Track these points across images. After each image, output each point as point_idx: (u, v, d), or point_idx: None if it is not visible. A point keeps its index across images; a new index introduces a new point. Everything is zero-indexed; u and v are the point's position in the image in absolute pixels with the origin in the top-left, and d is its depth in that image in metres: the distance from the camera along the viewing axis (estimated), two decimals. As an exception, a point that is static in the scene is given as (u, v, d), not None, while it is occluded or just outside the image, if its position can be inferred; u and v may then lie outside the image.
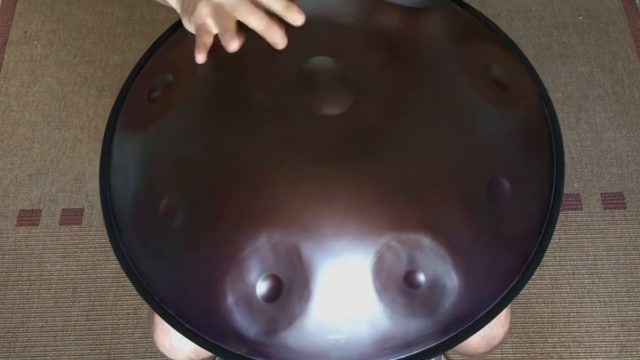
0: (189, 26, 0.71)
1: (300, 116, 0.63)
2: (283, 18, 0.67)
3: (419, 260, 0.59)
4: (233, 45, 0.66)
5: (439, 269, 0.60)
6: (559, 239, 1.46)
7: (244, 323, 0.60)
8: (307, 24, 0.68)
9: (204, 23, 0.69)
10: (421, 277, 0.60)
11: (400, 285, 0.59)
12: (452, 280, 0.60)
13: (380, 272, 0.59)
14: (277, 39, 0.66)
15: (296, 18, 0.67)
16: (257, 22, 0.67)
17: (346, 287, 0.59)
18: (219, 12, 0.68)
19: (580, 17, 1.77)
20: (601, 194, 1.52)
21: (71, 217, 1.52)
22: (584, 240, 1.47)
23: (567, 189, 1.52)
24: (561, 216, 1.49)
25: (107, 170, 0.71)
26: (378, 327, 0.60)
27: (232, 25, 0.67)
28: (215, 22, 0.68)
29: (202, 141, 0.66)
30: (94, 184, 1.57)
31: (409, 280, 0.59)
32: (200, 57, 0.68)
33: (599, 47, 1.72)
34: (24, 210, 1.54)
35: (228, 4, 0.68)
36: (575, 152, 1.57)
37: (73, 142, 1.63)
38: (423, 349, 0.61)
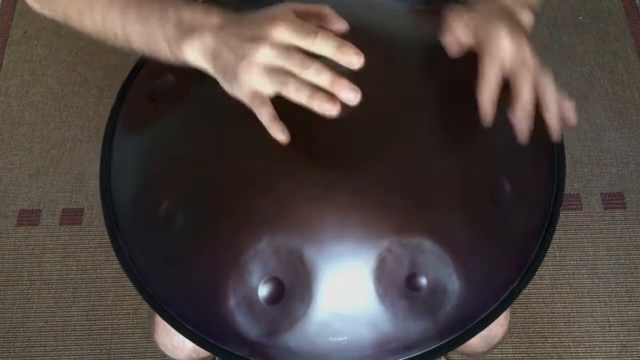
0: (236, 91, 0.59)
1: (302, 119, 0.63)
2: (338, 61, 0.57)
3: (421, 264, 0.60)
4: (334, 108, 0.56)
5: (440, 272, 0.60)
6: (559, 239, 1.46)
7: (246, 325, 0.60)
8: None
9: (255, 90, 0.57)
10: (422, 281, 0.60)
11: (401, 289, 0.59)
12: (453, 283, 0.60)
13: (382, 275, 0.59)
14: (348, 95, 0.56)
15: (353, 59, 0.56)
16: (317, 78, 0.56)
17: (348, 290, 0.59)
18: (269, 71, 0.57)
19: (580, 17, 1.77)
20: (601, 194, 1.52)
21: (71, 217, 1.52)
22: (584, 240, 1.47)
23: (567, 189, 1.51)
24: (561, 216, 1.47)
25: (108, 170, 0.71)
26: (379, 329, 0.60)
27: (300, 81, 0.56)
28: (273, 84, 0.57)
29: (203, 143, 0.66)
30: (94, 184, 1.56)
31: (410, 283, 0.59)
32: (283, 136, 0.58)
33: (599, 47, 1.72)
34: (24, 210, 1.54)
35: (276, 62, 0.56)
36: (575, 152, 1.57)
37: (73, 142, 1.62)
38: (424, 351, 0.61)
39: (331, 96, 0.56)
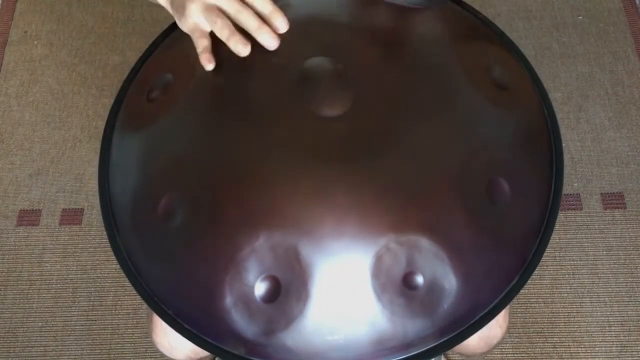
0: (182, 25, 0.70)
1: (300, 117, 0.63)
2: (268, 21, 0.67)
3: (418, 262, 0.59)
4: (244, 49, 0.67)
5: (437, 271, 0.60)
6: (559, 239, 1.46)
7: (243, 323, 0.60)
8: (306, 24, 0.68)
9: (196, 22, 0.68)
10: (420, 279, 0.60)
11: (398, 287, 0.59)
12: (450, 282, 0.60)
13: (379, 273, 0.59)
14: (267, 40, 0.66)
15: (280, 26, 0.67)
16: (248, 21, 0.66)
17: (345, 288, 0.59)
18: (209, 10, 0.67)
19: (580, 17, 1.77)
20: (601, 194, 1.52)
21: (71, 217, 1.52)
22: (584, 240, 1.46)
23: (567, 189, 1.52)
24: (561, 216, 1.49)
25: (106, 170, 0.71)
26: (376, 328, 0.60)
27: (229, 22, 0.67)
28: (208, 21, 0.67)
29: (201, 141, 0.66)
30: (94, 184, 1.56)
31: (407, 281, 0.59)
32: (209, 65, 0.67)
33: (599, 47, 1.72)
34: (24, 210, 1.54)
35: (218, 3, 0.67)
36: (575, 152, 1.57)
37: (73, 142, 1.62)
38: (421, 350, 0.61)
39: (246, 40, 0.66)
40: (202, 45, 0.67)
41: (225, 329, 0.61)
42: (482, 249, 0.62)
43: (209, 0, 0.67)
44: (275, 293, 0.59)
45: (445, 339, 0.61)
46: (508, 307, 0.69)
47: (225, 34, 0.66)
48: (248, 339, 0.61)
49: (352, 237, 0.59)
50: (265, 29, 0.66)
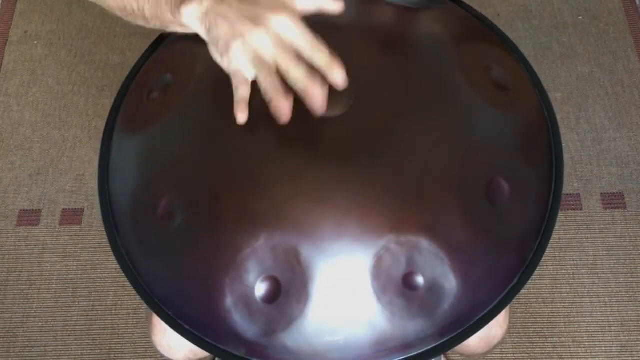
0: (223, 64, 0.63)
1: (300, 117, 0.63)
2: (324, 75, 0.59)
3: (418, 262, 0.59)
4: (284, 114, 0.59)
5: (437, 271, 0.60)
6: (559, 239, 1.46)
7: (243, 324, 0.60)
8: (306, 24, 0.68)
9: (240, 70, 0.60)
10: (420, 279, 0.60)
11: (398, 287, 0.59)
12: (450, 282, 0.60)
13: (379, 274, 0.59)
14: (318, 104, 0.58)
15: (339, 79, 0.59)
16: (298, 77, 0.58)
17: (345, 289, 0.59)
18: (259, 59, 0.59)
19: (580, 17, 1.77)
20: (601, 194, 1.52)
21: (71, 217, 1.52)
22: (584, 240, 1.46)
23: (567, 189, 1.52)
24: (561, 216, 1.49)
25: (106, 170, 0.71)
26: (376, 328, 0.60)
27: (277, 80, 0.59)
28: (255, 71, 0.60)
29: (201, 142, 0.66)
30: (94, 184, 1.56)
31: (407, 282, 0.59)
32: (242, 117, 0.60)
33: (599, 47, 1.72)
34: (24, 210, 1.54)
35: (268, 51, 0.58)
36: (575, 152, 1.57)
37: (73, 142, 1.63)
38: (421, 351, 0.61)
39: (287, 104, 0.58)
40: (241, 94, 0.61)
41: (226, 330, 0.61)
42: (482, 250, 0.62)
43: (259, 48, 0.59)
44: (275, 294, 0.59)
45: (445, 339, 0.61)
46: (508, 307, 0.69)
47: (269, 95, 0.59)
48: (248, 340, 0.61)
49: (352, 238, 0.59)
50: (316, 89, 0.58)
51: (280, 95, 0.58)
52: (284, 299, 0.59)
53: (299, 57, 0.59)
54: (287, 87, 0.59)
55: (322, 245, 0.59)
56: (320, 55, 0.59)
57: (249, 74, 0.60)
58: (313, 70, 0.59)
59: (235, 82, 0.61)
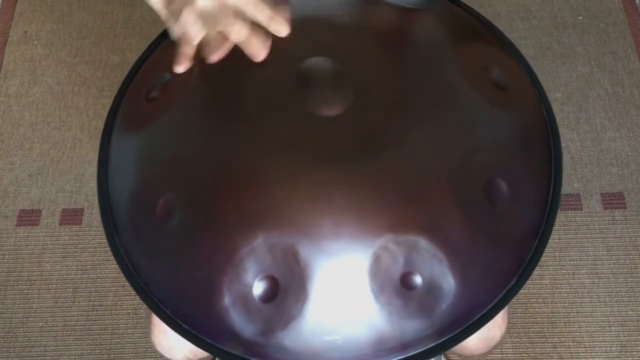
0: (174, 29, 0.69)
1: (298, 117, 0.63)
2: (267, 29, 0.67)
3: (416, 262, 0.59)
4: (212, 57, 0.67)
5: (435, 271, 0.60)
6: (559, 239, 1.46)
7: (241, 323, 0.60)
8: (305, 24, 0.68)
9: (186, 32, 0.68)
10: (418, 279, 0.60)
11: (396, 287, 0.59)
12: (448, 282, 0.60)
13: (377, 274, 0.59)
14: (254, 51, 0.67)
15: (280, 29, 0.67)
16: (237, 34, 0.66)
17: (343, 289, 0.59)
18: (204, 18, 0.66)
19: (580, 17, 1.76)
20: (601, 194, 1.52)
21: (71, 217, 1.52)
22: (584, 240, 1.46)
23: (567, 189, 1.52)
24: (561, 216, 1.49)
25: (105, 170, 0.71)
26: (374, 328, 0.60)
27: (214, 36, 0.67)
28: (197, 30, 0.67)
29: (199, 141, 0.66)
30: (94, 184, 1.56)
31: (405, 282, 0.59)
32: (180, 68, 0.68)
33: (599, 47, 1.71)
34: (24, 210, 1.54)
35: (211, 13, 0.66)
36: (575, 152, 1.57)
37: (73, 142, 1.63)
38: (419, 351, 0.61)
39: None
40: (184, 50, 0.68)
41: (224, 329, 0.61)
42: (481, 249, 0.62)
43: (204, 9, 0.67)
44: (273, 293, 0.60)
45: (443, 339, 0.61)
46: (507, 308, 0.69)
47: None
48: (246, 339, 0.61)
49: (350, 237, 0.59)
50: (252, 40, 0.67)
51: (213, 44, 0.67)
52: (282, 298, 0.59)
53: (241, 16, 0.67)
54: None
55: (321, 245, 0.59)
56: (261, 12, 0.67)
57: (194, 36, 0.67)
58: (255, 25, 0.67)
59: (181, 41, 0.68)
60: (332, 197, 0.60)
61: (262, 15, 0.67)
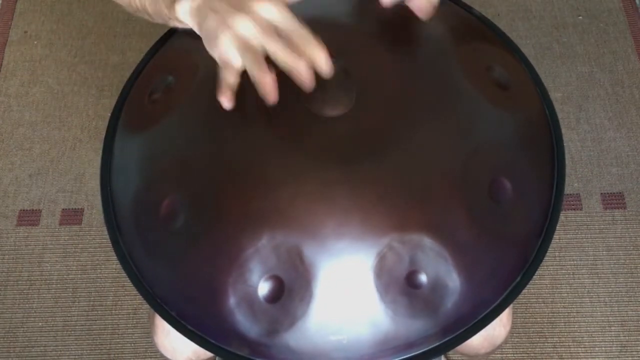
0: (211, 52, 0.64)
1: (303, 118, 0.63)
2: (309, 60, 0.60)
3: (421, 261, 0.59)
4: (270, 91, 0.59)
5: (440, 270, 0.60)
6: (559, 239, 1.46)
7: (246, 324, 0.60)
8: (308, 24, 0.68)
9: (228, 59, 0.61)
10: (423, 278, 0.60)
11: (401, 286, 0.59)
12: (453, 281, 0.60)
13: (382, 273, 0.59)
14: (307, 81, 0.59)
15: (323, 64, 0.59)
16: (285, 56, 0.59)
17: (348, 288, 0.59)
18: (245, 47, 0.60)
19: (580, 17, 1.77)
20: (601, 194, 1.52)
21: (71, 217, 1.52)
22: (584, 240, 1.47)
23: (567, 189, 1.52)
24: (561, 216, 1.49)
25: (108, 171, 0.71)
26: (379, 327, 0.60)
27: (262, 62, 0.59)
28: (242, 58, 0.61)
29: (203, 142, 0.66)
30: (94, 184, 1.56)
31: (410, 280, 0.59)
32: (227, 102, 0.61)
33: (599, 47, 1.72)
34: (24, 210, 1.54)
35: (254, 38, 0.60)
36: (575, 152, 1.57)
37: (73, 142, 1.63)
38: (424, 350, 0.61)
39: (271, 80, 0.59)
40: (227, 81, 0.61)
41: (229, 330, 0.61)
42: (485, 248, 0.62)
43: (245, 36, 0.60)
44: (278, 293, 0.59)
45: (448, 338, 0.61)
46: (511, 306, 0.69)
47: (254, 75, 0.60)
48: (251, 340, 0.61)
49: (355, 237, 0.59)
50: (302, 66, 0.58)
51: (264, 73, 0.59)
52: (287, 299, 0.59)
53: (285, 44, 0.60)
54: (275, 68, 0.60)
55: (325, 244, 0.59)
56: (305, 41, 0.59)
57: (237, 62, 0.61)
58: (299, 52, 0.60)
59: (223, 70, 0.62)
60: (336, 197, 0.60)
61: (306, 44, 0.59)
